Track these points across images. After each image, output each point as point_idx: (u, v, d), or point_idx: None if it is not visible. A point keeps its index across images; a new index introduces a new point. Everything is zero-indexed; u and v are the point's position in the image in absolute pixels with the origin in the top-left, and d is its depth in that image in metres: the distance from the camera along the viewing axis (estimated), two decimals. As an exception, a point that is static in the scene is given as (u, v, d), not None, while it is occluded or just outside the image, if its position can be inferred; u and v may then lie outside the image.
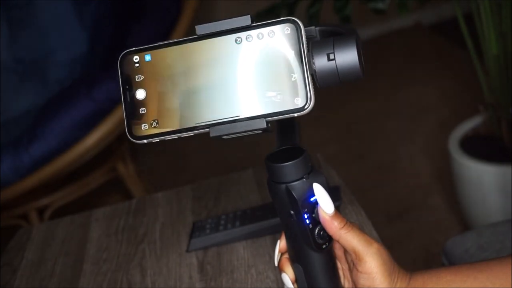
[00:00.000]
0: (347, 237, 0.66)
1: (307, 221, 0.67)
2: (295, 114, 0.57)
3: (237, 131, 0.58)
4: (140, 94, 0.60)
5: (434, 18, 3.50)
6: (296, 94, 0.57)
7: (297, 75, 0.57)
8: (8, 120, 2.32)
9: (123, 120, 0.60)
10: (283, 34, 0.58)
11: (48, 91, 2.36)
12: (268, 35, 0.58)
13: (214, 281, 0.94)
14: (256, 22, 0.59)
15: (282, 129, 0.69)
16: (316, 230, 0.67)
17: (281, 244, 0.71)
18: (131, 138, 0.60)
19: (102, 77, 1.92)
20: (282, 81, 0.57)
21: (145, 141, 0.60)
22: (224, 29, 0.59)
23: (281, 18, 0.58)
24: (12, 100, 2.39)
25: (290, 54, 0.57)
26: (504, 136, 1.79)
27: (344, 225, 0.66)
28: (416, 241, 2.03)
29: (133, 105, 0.61)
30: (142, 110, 0.60)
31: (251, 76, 0.58)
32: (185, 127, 0.59)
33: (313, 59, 0.58)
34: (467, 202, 1.84)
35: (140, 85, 0.60)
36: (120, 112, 1.90)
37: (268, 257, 0.96)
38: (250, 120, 0.58)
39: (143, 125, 0.60)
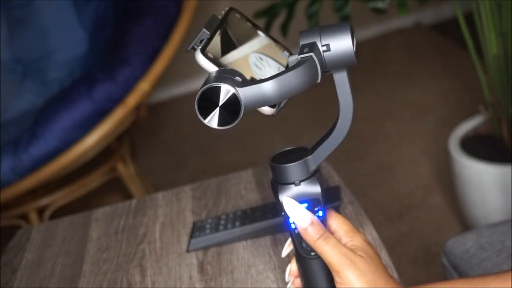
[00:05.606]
0: (322, 249, 0.65)
1: (293, 225, 0.67)
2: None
3: None
4: None
5: (434, 18, 3.50)
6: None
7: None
8: (8, 120, 2.32)
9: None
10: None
11: (48, 91, 2.36)
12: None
13: (214, 281, 0.94)
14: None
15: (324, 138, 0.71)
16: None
17: (292, 266, 0.72)
18: None
19: (102, 77, 1.92)
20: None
21: None
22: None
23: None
24: (12, 100, 2.39)
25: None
26: (504, 136, 1.79)
27: (320, 237, 0.65)
28: (416, 241, 2.02)
29: None
30: None
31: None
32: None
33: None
34: (467, 202, 1.84)
35: None
36: (120, 112, 1.91)
37: (268, 257, 0.96)
38: None
39: None
